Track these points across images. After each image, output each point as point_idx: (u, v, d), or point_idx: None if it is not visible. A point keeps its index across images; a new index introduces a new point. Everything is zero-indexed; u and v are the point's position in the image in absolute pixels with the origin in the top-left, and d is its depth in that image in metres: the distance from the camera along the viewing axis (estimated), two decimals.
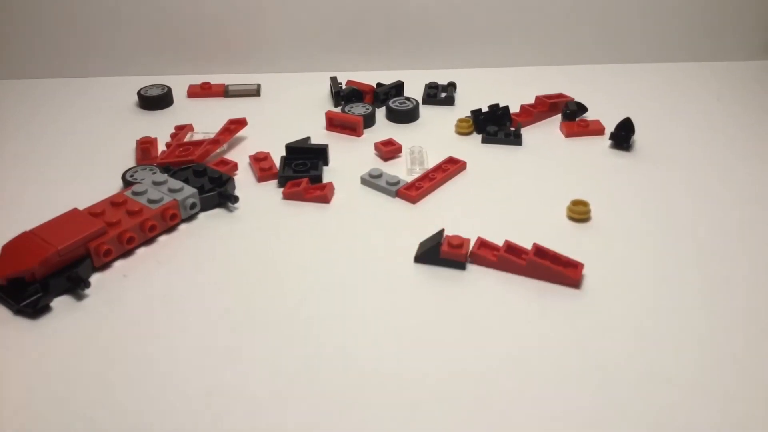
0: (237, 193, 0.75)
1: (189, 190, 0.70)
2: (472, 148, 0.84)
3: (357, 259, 0.65)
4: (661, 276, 0.62)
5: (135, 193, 0.69)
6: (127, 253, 0.65)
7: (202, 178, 0.74)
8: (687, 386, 0.51)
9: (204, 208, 0.71)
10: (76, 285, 0.60)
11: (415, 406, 0.50)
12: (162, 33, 1.03)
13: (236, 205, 0.73)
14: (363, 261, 0.65)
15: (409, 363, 0.54)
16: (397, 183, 0.75)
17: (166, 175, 0.72)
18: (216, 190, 0.72)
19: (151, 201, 0.68)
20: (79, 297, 0.60)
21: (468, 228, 0.68)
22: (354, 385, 0.52)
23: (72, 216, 0.64)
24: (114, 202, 0.67)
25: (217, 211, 0.72)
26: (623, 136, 0.82)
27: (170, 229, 0.69)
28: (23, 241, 0.61)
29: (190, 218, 0.70)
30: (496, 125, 0.85)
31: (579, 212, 0.70)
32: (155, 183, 0.70)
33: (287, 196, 0.74)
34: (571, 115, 0.88)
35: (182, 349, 0.55)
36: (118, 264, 0.64)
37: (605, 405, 0.50)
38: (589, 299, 0.60)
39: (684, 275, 0.63)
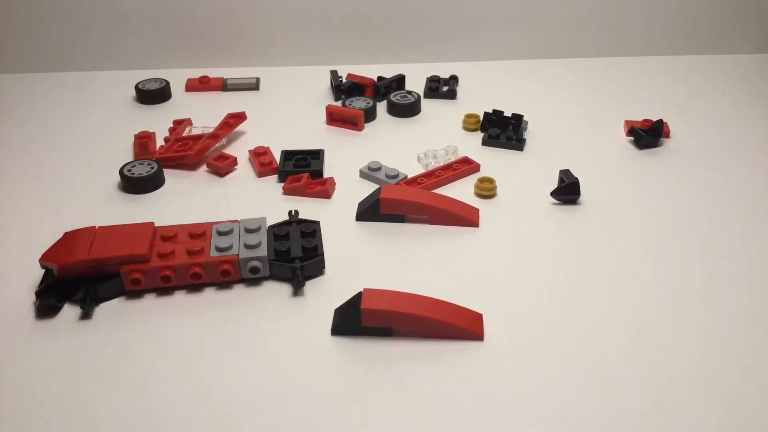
0: (236, 188, 0.74)
1: (259, 252, 0.60)
2: (475, 144, 0.83)
3: (356, 254, 0.64)
4: (662, 272, 0.62)
5: (219, 232, 0.62)
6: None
7: (304, 240, 0.63)
8: (690, 385, 0.50)
9: (274, 276, 0.61)
10: (82, 300, 0.57)
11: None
12: (160, 26, 1.01)
13: (235, 203, 0.72)
14: (361, 257, 0.64)
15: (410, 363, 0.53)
16: (396, 176, 0.75)
17: (264, 222, 0.63)
18: (298, 264, 0.60)
19: (218, 248, 0.60)
20: (87, 314, 0.57)
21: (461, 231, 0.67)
22: (355, 382, 0.51)
23: (139, 229, 0.61)
24: (192, 233, 0.62)
25: (216, 202, 0.71)
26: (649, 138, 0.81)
27: (225, 284, 0.61)
28: (79, 236, 0.60)
29: (254, 281, 0.61)
30: (499, 128, 0.83)
31: (485, 189, 0.71)
32: (247, 230, 0.62)
33: (288, 192, 0.73)
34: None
35: (180, 347, 0.54)
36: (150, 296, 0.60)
37: (607, 404, 0.49)
38: (590, 295, 0.59)
39: (686, 271, 0.62)
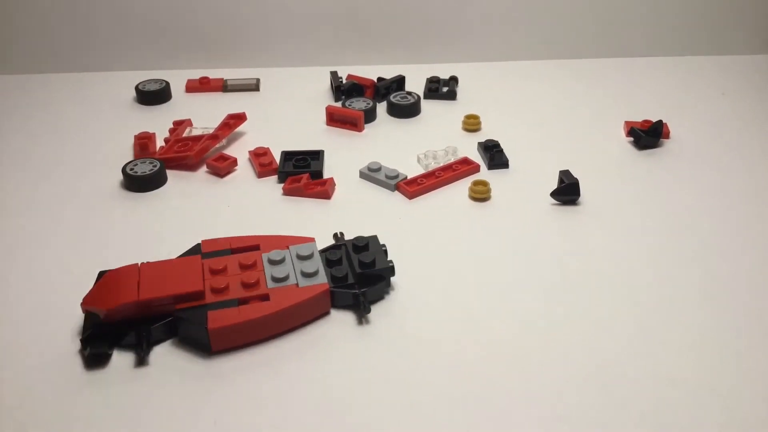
0: (236, 189, 0.74)
1: (319, 279, 0.57)
2: (475, 145, 0.83)
3: None
4: (663, 272, 0.62)
5: (271, 261, 0.58)
6: None
7: (361, 264, 0.58)
8: (690, 385, 0.50)
9: (334, 305, 0.58)
10: (137, 345, 0.53)
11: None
12: (160, 27, 1.02)
13: (235, 204, 0.72)
14: None
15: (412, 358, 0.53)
16: (396, 177, 0.75)
17: (315, 250, 0.59)
18: (356, 289, 0.57)
19: (275, 278, 0.56)
20: (143, 360, 0.53)
21: (456, 230, 0.67)
22: (360, 385, 0.51)
23: (187, 264, 0.57)
24: (242, 263, 0.58)
25: (216, 202, 0.71)
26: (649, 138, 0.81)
27: None
28: (122, 275, 0.55)
29: None
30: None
31: (479, 192, 0.71)
32: (300, 257, 0.58)
33: (287, 192, 0.73)
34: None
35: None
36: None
37: (607, 404, 0.49)
38: (590, 295, 0.59)
39: (686, 271, 0.62)
